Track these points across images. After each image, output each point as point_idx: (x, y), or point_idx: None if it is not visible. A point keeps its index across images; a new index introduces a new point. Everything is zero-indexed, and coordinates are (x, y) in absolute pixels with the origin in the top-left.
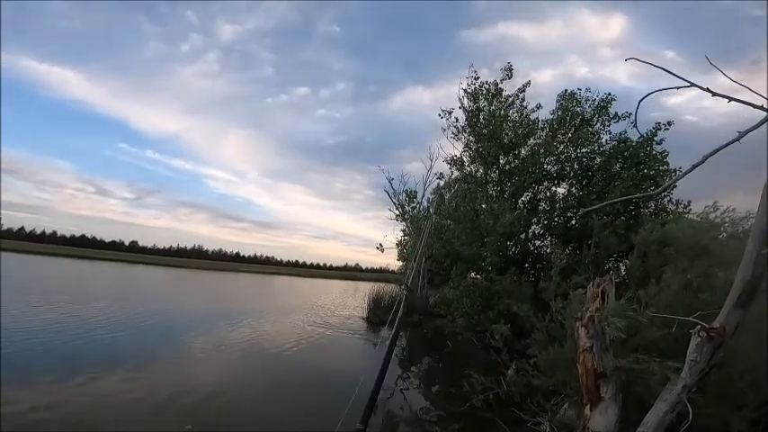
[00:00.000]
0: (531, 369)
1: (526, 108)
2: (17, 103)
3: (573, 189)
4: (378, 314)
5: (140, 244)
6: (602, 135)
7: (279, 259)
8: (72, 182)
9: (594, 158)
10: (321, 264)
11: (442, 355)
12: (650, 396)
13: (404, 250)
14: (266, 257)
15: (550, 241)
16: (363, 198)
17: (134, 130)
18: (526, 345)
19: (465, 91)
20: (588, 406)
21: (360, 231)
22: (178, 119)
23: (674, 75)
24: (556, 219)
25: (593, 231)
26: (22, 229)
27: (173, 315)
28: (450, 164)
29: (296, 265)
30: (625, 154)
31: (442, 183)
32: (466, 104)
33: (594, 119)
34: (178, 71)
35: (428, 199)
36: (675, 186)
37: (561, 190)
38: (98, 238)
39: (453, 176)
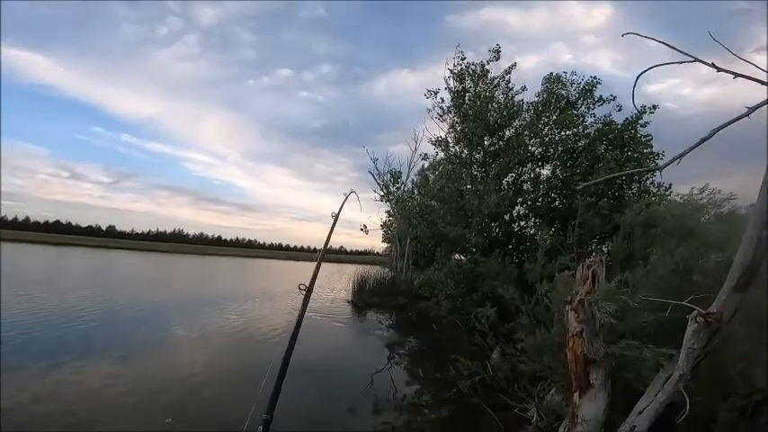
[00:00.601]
0: (517, 354)
1: (512, 90)
2: None
3: (557, 171)
4: (363, 297)
5: (118, 228)
6: (586, 118)
7: (262, 242)
8: (46, 167)
9: (579, 140)
10: (305, 246)
11: (428, 339)
12: (640, 383)
13: (388, 231)
14: (248, 241)
15: (534, 222)
16: (347, 180)
17: (109, 114)
18: (511, 328)
19: (451, 71)
20: (577, 393)
21: (343, 214)
22: (155, 102)
23: (677, 50)
24: (540, 200)
25: (576, 212)
26: None
27: (155, 303)
28: (434, 144)
29: (279, 248)
30: (609, 136)
31: (426, 164)
32: (452, 85)
33: (579, 102)
34: (155, 54)
35: (413, 180)
36: (679, 162)
37: (546, 171)
38: (74, 224)
39: (438, 158)
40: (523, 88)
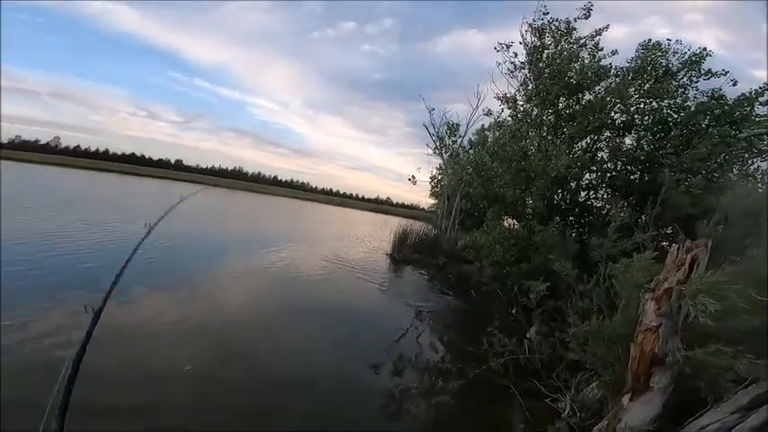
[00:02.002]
0: (562, 336)
1: (601, 51)
2: (75, 35)
3: (642, 142)
4: (402, 252)
5: (185, 163)
6: (688, 90)
7: (314, 186)
8: (126, 106)
9: (675, 113)
10: (353, 194)
11: (464, 305)
12: (712, 395)
13: (438, 185)
14: (302, 183)
15: (606, 194)
16: (400, 134)
17: (184, 59)
18: (558, 308)
19: (530, 25)
20: (629, 394)
21: (393, 166)
22: (227, 50)
23: None
24: (617, 170)
25: (660, 188)
26: (78, 147)
27: (210, 236)
28: (501, 101)
29: (329, 193)
30: (716, 111)
31: (487, 123)
32: (529, 40)
33: (681, 73)
34: (228, 5)
35: (470, 139)
36: None
37: (628, 141)
38: (146, 157)
39: (502, 116)
40: (614, 52)
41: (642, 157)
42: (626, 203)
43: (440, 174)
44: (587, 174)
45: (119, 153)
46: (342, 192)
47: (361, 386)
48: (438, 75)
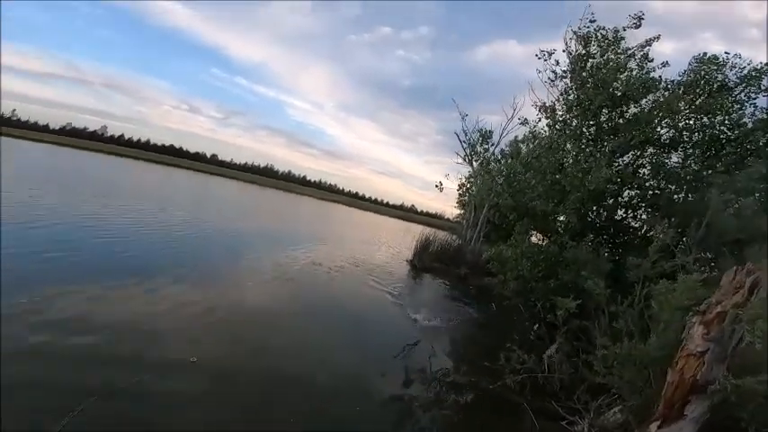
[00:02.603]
0: (586, 357)
1: (651, 62)
2: (129, 29)
3: (689, 160)
4: (423, 260)
5: (219, 158)
6: (745, 106)
7: (341, 188)
8: (169, 99)
9: (729, 129)
10: (379, 199)
11: (483, 318)
12: (754, 425)
13: (466, 193)
14: (329, 185)
15: (645, 213)
16: (430, 142)
17: (227, 57)
18: (583, 327)
19: (575, 33)
20: (658, 422)
21: (421, 173)
22: (267, 50)
23: None
24: (660, 188)
25: (706, 209)
26: (122, 136)
27: (240, 231)
28: (539, 110)
29: (355, 196)
30: None
31: (524, 131)
32: (573, 48)
33: (738, 88)
34: (272, 5)
35: (502, 150)
36: None
37: (674, 158)
38: (184, 149)
39: (539, 125)
40: (664, 64)
41: (689, 177)
42: (668, 224)
43: (468, 182)
44: (627, 191)
45: (159, 144)
46: (368, 196)
47: (368, 391)
48: (473, 84)
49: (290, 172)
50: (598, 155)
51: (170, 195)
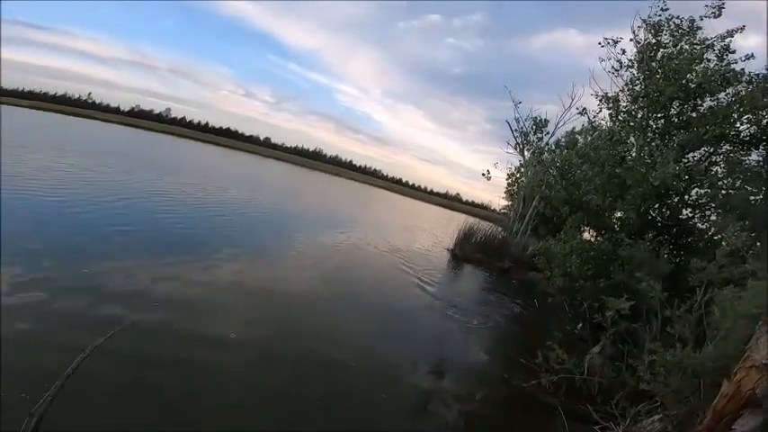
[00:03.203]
0: (632, 361)
1: (732, 53)
2: (192, 17)
3: None
4: (465, 250)
5: (272, 141)
6: None
7: (385, 174)
8: (228, 84)
9: None
10: (423, 186)
11: (525, 314)
12: None
13: (516, 183)
14: (374, 170)
15: (716, 214)
16: (479, 131)
17: (283, 44)
18: (631, 330)
19: (644, 21)
20: None
21: (468, 163)
22: (319, 37)
23: None
24: (735, 188)
25: None
26: (184, 118)
27: (290, 212)
28: (601, 100)
29: (399, 182)
30: None
31: (582, 122)
32: (641, 37)
33: None
34: None
35: (557, 140)
36: None
37: (754, 156)
38: (239, 132)
39: (598, 116)
40: (749, 56)
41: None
42: (741, 227)
43: (519, 173)
44: (695, 189)
45: (217, 126)
46: (411, 182)
47: (397, 379)
48: (527, 73)
49: (337, 156)
50: (665, 149)
51: (228, 175)
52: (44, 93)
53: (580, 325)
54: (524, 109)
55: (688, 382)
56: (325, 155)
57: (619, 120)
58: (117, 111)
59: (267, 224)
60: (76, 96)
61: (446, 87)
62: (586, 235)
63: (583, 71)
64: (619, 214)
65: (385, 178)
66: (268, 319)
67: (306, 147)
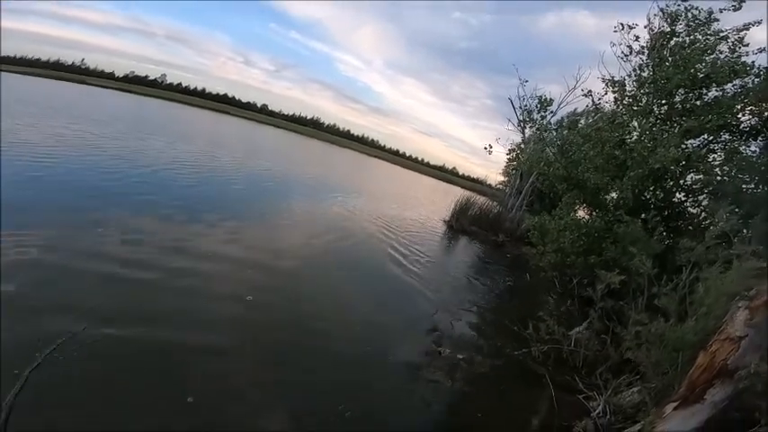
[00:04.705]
0: (619, 334)
1: (746, 46)
2: None
3: None
4: (460, 221)
5: (269, 108)
6: None
7: (382, 144)
8: (227, 52)
9: None
10: (419, 158)
11: (516, 286)
12: None
13: (516, 159)
14: (371, 140)
15: (708, 199)
16: (479, 106)
17: (285, 13)
18: (617, 308)
19: (662, 10)
20: (675, 403)
21: (466, 136)
22: (324, 7)
23: None
24: (730, 175)
25: None
26: (180, 84)
27: (284, 178)
28: (607, 84)
29: (396, 153)
30: None
31: (586, 104)
32: (656, 24)
33: None
34: None
35: (558, 120)
36: None
37: (754, 148)
38: (236, 98)
39: (604, 98)
40: (761, 49)
41: (764, 167)
42: (731, 212)
43: (519, 149)
44: (691, 174)
45: (214, 93)
46: (408, 154)
47: (390, 346)
48: (534, 52)
49: (335, 125)
50: (666, 135)
51: (228, 142)
52: (36, 59)
53: (569, 301)
54: (529, 88)
55: (668, 355)
56: (323, 123)
57: (623, 103)
58: (111, 76)
59: (269, 191)
60: (70, 63)
61: (449, 61)
62: (580, 213)
63: (589, 53)
64: (613, 194)
65: (382, 149)
66: (270, 287)
67: (303, 114)
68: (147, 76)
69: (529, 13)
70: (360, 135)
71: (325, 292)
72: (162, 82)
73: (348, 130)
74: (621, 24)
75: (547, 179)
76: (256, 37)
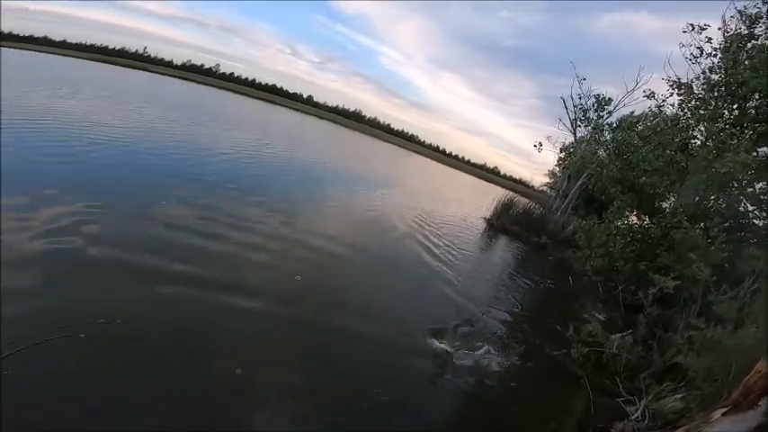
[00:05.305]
0: (669, 339)
1: None
2: None
3: None
4: (501, 220)
5: (314, 99)
6: None
7: (422, 140)
8: (275, 43)
9: None
10: (460, 156)
11: (559, 289)
12: None
13: (567, 159)
14: (411, 135)
15: None
16: (525, 105)
17: (332, 5)
18: (664, 316)
19: (739, 11)
20: (726, 408)
21: (509, 136)
22: (370, 1)
23: None
24: None
25: None
26: (233, 73)
27: (332, 168)
28: (672, 86)
29: (436, 149)
30: None
31: (646, 107)
32: (732, 27)
33: None
34: None
35: (614, 122)
36: None
37: None
38: (284, 89)
39: (667, 100)
40: None
41: None
42: None
43: (571, 148)
44: (761, 184)
45: (263, 83)
46: (449, 151)
47: (425, 338)
48: (585, 51)
49: (375, 118)
50: (735, 141)
51: (279, 131)
52: (104, 46)
53: (613, 306)
54: (582, 87)
55: (721, 361)
56: (365, 116)
57: (689, 106)
58: (170, 65)
59: (326, 181)
60: (133, 50)
61: (493, 59)
62: (633, 218)
63: (647, 55)
64: (672, 199)
65: (422, 144)
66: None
67: (346, 107)
68: (202, 65)
69: (584, 13)
70: (399, 129)
71: (366, 279)
72: (216, 71)
73: (389, 124)
74: (692, 25)
75: (599, 181)
76: (304, 29)
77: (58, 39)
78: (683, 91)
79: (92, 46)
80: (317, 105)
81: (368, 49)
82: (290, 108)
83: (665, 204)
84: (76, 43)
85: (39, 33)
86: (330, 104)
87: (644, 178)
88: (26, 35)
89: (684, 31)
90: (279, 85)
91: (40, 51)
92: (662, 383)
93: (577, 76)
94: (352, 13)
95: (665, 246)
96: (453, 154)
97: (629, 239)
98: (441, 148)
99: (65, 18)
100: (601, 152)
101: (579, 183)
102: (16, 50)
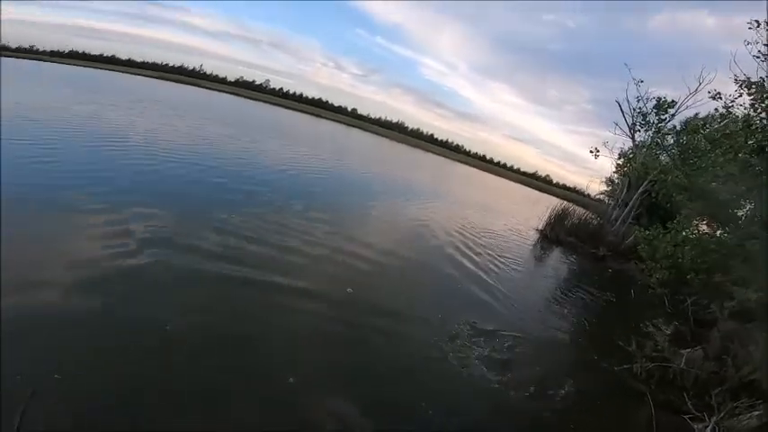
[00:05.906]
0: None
1: None
2: None
3: None
4: (556, 231)
5: (358, 111)
6: None
7: (467, 150)
8: (320, 57)
9: None
10: (509, 165)
11: (621, 302)
12: None
13: (627, 165)
14: (456, 145)
15: None
16: (577, 110)
17: (370, 18)
18: (742, 331)
19: None
20: None
21: (561, 143)
22: (405, 10)
23: None
24: None
25: None
26: (281, 89)
27: (381, 180)
28: (741, 85)
29: (482, 159)
30: None
31: (711, 107)
32: None
33: None
34: None
35: (677, 125)
36: None
37: None
38: (329, 102)
39: (736, 100)
40: None
41: None
42: None
43: (631, 154)
44: None
45: (310, 97)
46: (497, 160)
47: (475, 348)
48: (639, 53)
49: (419, 129)
50: None
51: (327, 145)
52: (165, 64)
53: (680, 320)
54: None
55: None
56: (407, 127)
57: (762, 106)
58: (224, 81)
59: (376, 193)
60: (191, 68)
61: (539, 64)
62: (704, 227)
63: (706, 54)
64: (748, 206)
65: (468, 153)
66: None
67: (389, 118)
68: (253, 81)
69: (635, 12)
70: (444, 140)
71: (413, 288)
72: (266, 87)
73: (432, 134)
74: (756, 21)
75: (663, 188)
76: (345, 42)
77: (123, 57)
78: (753, 90)
79: (156, 64)
80: (361, 117)
81: (408, 60)
82: (336, 121)
83: (740, 213)
84: (142, 62)
85: (108, 52)
86: (373, 116)
87: (714, 184)
88: (96, 54)
89: (750, 28)
90: (324, 99)
91: (109, 70)
92: (736, 400)
93: (633, 79)
94: (389, 24)
95: (742, 257)
96: (503, 163)
97: (700, 250)
98: (488, 158)
99: (125, 36)
100: (663, 157)
101: (640, 190)
102: (92, 69)
